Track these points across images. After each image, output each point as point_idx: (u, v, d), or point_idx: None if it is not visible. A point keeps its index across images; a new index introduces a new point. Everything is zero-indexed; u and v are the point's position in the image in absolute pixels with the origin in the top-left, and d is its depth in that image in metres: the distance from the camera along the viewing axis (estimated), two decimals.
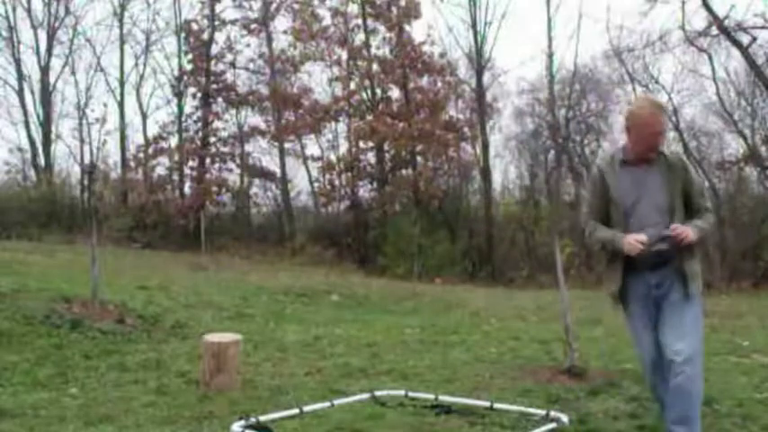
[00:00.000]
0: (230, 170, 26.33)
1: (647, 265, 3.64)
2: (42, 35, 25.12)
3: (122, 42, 25.85)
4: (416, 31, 26.07)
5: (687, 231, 3.53)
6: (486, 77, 25.24)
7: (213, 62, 25.98)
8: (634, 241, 3.56)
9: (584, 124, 25.74)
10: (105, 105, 25.89)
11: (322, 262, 20.96)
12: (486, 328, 9.39)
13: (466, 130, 25.14)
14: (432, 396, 4.35)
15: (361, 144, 25.15)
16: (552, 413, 3.76)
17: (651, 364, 3.78)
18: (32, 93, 25.31)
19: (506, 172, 27.14)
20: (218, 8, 25.91)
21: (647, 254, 3.58)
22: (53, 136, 25.48)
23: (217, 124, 26.35)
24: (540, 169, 26.22)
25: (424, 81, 24.86)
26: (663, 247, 3.58)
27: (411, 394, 4.40)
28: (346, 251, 23.52)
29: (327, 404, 4.21)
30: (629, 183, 3.69)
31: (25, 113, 24.95)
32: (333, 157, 25.78)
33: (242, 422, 3.42)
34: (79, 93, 25.64)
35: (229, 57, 26.18)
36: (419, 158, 24.57)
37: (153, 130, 25.93)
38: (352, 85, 25.10)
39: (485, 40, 24.81)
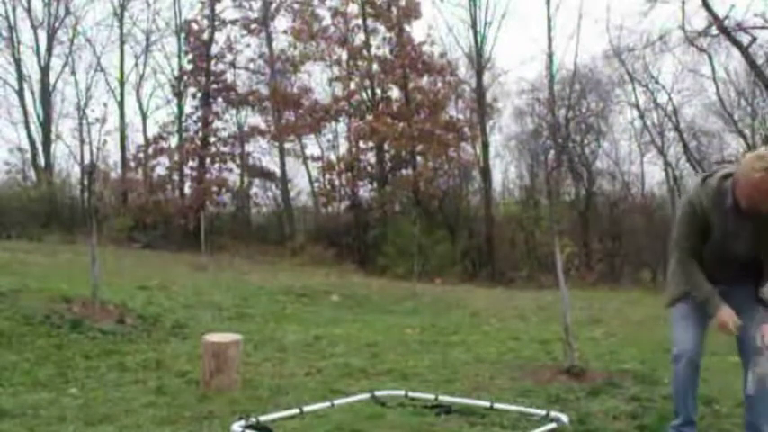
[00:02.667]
0: (230, 170, 26.38)
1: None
2: (42, 35, 25.18)
3: (122, 42, 25.88)
4: (416, 31, 26.17)
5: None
6: (486, 77, 25.31)
7: (213, 62, 26.01)
8: (731, 323, 3.49)
9: (584, 124, 25.74)
10: (105, 105, 25.93)
11: (322, 262, 20.96)
12: (486, 328, 9.39)
13: (466, 130, 25.16)
14: (432, 396, 4.35)
15: (361, 144, 25.18)
16: (552, 413, 3.75)
17: (693, 348, 3.64)
18: (32, 93, 25.36)
19: (506, 172, 27.22)
20: (218, 8, 25.98)
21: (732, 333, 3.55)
22: (53, 136, 25.51)
23: (217, 124, 26.40)
24: (540, 169, 26.23)
25: (424, 81, 24.89)
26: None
27: (411, 394, 4.40)
28: (346, 251, 23.53)
29: (327, 404, 4.21)
30: (731, 228, 3.53)
31: (25, 113, 24.98)
32: (333, 157, 25.84)
33: (242, 422, 3.41)
34: (79, 93, 25.67)
35: (229, 57, 26.23)
36: (419, 158, 24.59)
37: (153, 130, 26.01)
38: (352, 85, 25.12)
39: (485, 40, 24.87)
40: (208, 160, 25.76)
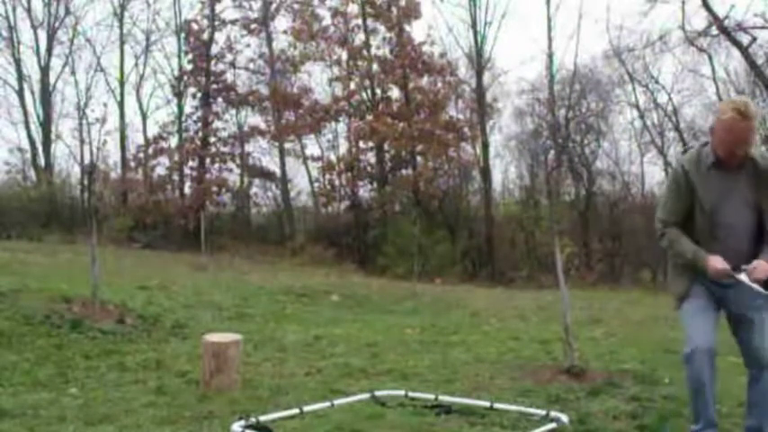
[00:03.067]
0: (230, 170, 26.39)
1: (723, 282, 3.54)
2: (42, 35, 25.18)
3: (122, 42, 25.89)
4: (416, 31, 26.17)
5: (765, 271, 3.37)
6: (486, 77, 25.32)
7: (213, 62, 26.01)
8: (721, 269, 3.41)
9: (584, 124, 25.74)
10: (105, 105, 25.94)
11: (322, 262, 20.96)
12: (486, 328, 9.39)
13: (466, 130, 25.16)
14: (432, 396, 4.34)
15: (361, 144, 25.18)
16: (552, 413, 3.75)
17: (706, 343, 3.52)
18: (32, 93, 25.37)
19: (506, 172, 27.21)
20: (218, 8, 25.99)
21: (726, 281, 3.48)
22: (53, 136, 25.52)
23: (217, 124, 26.40)
24: (540, 169, 26.22)
25: (424, 81, 24.90)
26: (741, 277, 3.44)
27: (411, 394, 4.39)
28: (346, 251, 23.53)
29: (327, 404, 4.20)
30: (717, 188, 3.48)
31: (25, 113, 24.99)
32: (333, 157, 25.84)
33: (242, 422, 3.41)
34: (79, 93, 25.69)
35: (229, 57, 26.24)
36: (419, 158, 24.60)
37: (153, 130, 26.02)
38: (352, 85, 25.12)
39: (485, 40, 24.88)
40: (208, 160, 25.76)
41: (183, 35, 26.02)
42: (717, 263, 3.41)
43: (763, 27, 19.75)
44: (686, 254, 3.53)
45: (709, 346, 3.52)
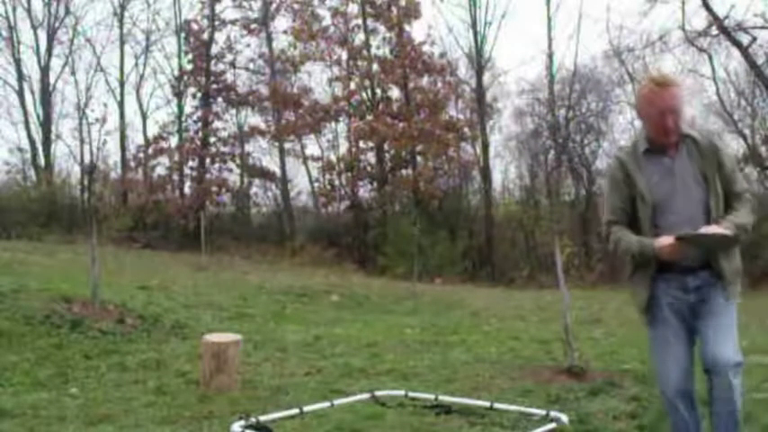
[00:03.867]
0: (230, 170, 26.36)
1: (682, 268, 3.13)
2: (42, 35, 25.15)
3: (122, 42, 25.87)
4: (416, 31, 26.15)
5: (720, 233, 3.02)
6: (486, 77, 25.33)
7: (213, 62, 25.99)
8: (667, 245, 3.03)
9: (584, 124, 25.74)
10: (105, 105, 25.89)
11: (322, 262, 20.97)
12: (486, 328, 9.40)
13: (466, 130, 25.15)
14: (432, 396, 4.34)
15: (361, 144, 25.17)
16: (552, 413, 3.75)
17: (677, 385, 3.17)
18: (32, 93, 25.33)
19: (506, 172, 27.20)
20: (218, 8, 25.96)
21: (681, 256, 3.08)
22: (53, 136, 25.50)
23: (217, 124, 26.38)
24: (540, 169, 26.23)
25: (424, 81, 24.89)
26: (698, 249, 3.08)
27: (411, 394, 4.39)
28: (346, 251, 23.52)
29: (327, 404, 4.20)
30: (657, 174, 3.17)
31: (25, 113, 24.96)
32: (333, 157, 25.82)
33: (242, 422, 3.41)
34: (79, 93, 25.65)
35: (229, 57, 26.21)
36: (419, 158, 24.59)
37: (153, 130, 25.98)
38: (352, 85, 25.11)
39: (485, 40, 24.88)
40: (208, 160, 25.75)
41: (183, 35, 26.01)
42: (663, 240, 3.05)
43: (763, 27, 19.76)
44: (632, 247, 3.18)
45: (684, 388, 3.17)
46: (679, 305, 3.18)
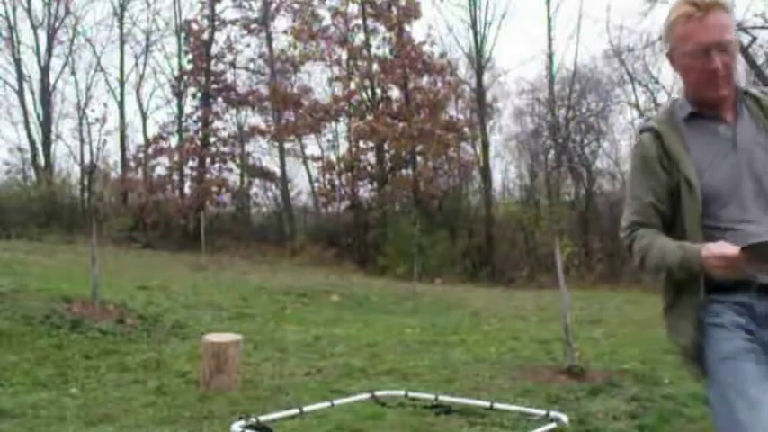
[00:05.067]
0: (230, 170, 26.35)
1: (750, 289, 2.02)
2: (42, 35, 25.14)
3: (122, 42, 25.87)
4: (416, 31, 26.20)
5: None
6: (486, 77, 25.31)
7: (213, 62, 25.99)
8: (720, 254, 1.91)
9: (584, 124, 25.74)
10: (105, 105, 25.95)
11: (322, 262, 20.97)
12: (486, 328, 9.40)
13: (466, 130, 25.16)
14: (432, 396, 4.34)
15: (361, 144, 25.18)
16: (552, 413, 3.75)
17: None
18: (32, 93, 25.31)
19: (506, 172, 27.20)
20: (218, 8, 25.95)
21: (742, 275, 1.95)
22: (53, 136, 25.49)
23: (217, 124, 26.37)
24: (540, 169, 26.23)
25: (424, 81, 24.88)
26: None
27: (411, 394, 4.39)
28: (346, 251, 23.52)
29: (327, 404, 4.20)
30: (707, 149, 2.10)
31: (25, 113, 24.95)
32: (333, 157, 25.82)
33: (242, 422, 3.41)
34: (79, 93, 25.65)
35: (229, 57, 26.21)
36: (419, 158, 24.60)
37: (153, 130, 25.99)
38: (352, 85, 25.12)
39: (485, 40, 24.86)
40: (208, 160, 25.74)
41: (183, 35, 26.01)
42: (716, 248, 1.93)
43: (763, 27, 19.74)
44: (667, 258, 2.04)
45: None
46: (751, 345, 2.01)
